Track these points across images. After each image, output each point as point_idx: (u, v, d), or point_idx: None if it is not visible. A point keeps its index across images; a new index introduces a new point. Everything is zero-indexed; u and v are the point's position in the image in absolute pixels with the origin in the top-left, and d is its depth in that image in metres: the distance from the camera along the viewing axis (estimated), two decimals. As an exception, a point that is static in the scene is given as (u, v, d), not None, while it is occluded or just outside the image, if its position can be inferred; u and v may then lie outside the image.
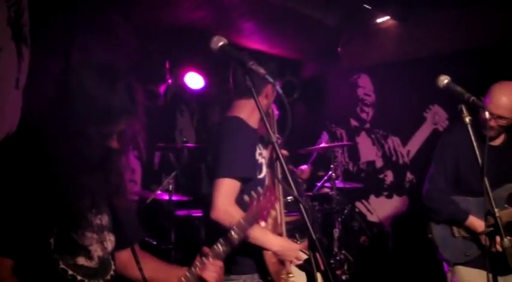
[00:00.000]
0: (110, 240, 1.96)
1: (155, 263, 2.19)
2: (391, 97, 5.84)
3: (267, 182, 2.78)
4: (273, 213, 2.12)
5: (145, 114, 1.88)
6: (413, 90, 5.59)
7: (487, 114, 2.47)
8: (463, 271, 3.30)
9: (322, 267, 1.69)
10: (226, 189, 2.57)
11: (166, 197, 4.87)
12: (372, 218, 6.01)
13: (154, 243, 4.75)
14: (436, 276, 4.76)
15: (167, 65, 5.79)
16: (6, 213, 1.74)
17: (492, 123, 3.20)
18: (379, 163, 6.00)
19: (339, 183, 5.25)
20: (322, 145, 5.13)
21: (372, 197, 6.02)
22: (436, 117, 5.52)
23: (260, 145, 2.78)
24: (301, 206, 1.75)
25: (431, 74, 5.33)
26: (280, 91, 1.80)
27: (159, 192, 4.97)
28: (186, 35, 5.52)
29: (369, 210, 6.03)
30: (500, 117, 3.18)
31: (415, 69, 5.54)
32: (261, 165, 2.77)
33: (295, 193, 1.75)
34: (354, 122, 6.19)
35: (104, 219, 1.95)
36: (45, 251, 1.77)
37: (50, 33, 4.59)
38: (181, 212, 5.02)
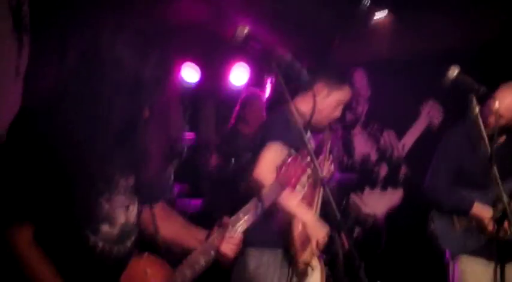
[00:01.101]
0: (135, 203, 1.95)
1: (177, 223, 2.17)
2: (387, 91, 5.91)
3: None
4: (303, 179, 2.08)
5: (179, 86, 1.87)
6: (409, 84, 5.66)
7: (496, 103, 2.52)
8: (464, 260, 3.38)
9: (346, 246, 1.73)
10: (273, 152, 2.70)
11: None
12: (366, 210, 6.06)
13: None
14: (430, 268, 4.86)
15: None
16: (27, 176, 1.72)
17: (491, 120, 3.24)
18: (374, 156, 6.06)
19: (335, 175, 5.29)
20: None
21: (367, 190, 6.08)
22: (431, 111, 5.59)
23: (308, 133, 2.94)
24: (325, 187, 1.79)
25: (427, 69, 5.45)
26: (307, 77, 1.84)
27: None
28: (181, 29, 5.55)
29: (363, 203, 6.09)
30: (501, 116, 3.23)
31: (410, 63, 5.61)
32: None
33: (320, 174, 1.80)
34: (349, 116, 6.24)
35: (130, 181, 1.92)
36: (69, 217, 1.75)
37: (49, 22, 4.59)
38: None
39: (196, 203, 4.98)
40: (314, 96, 2.97)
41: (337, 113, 3.12)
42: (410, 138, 5.77)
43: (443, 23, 5.34)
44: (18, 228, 1.71)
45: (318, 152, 3.23)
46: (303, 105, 3.00)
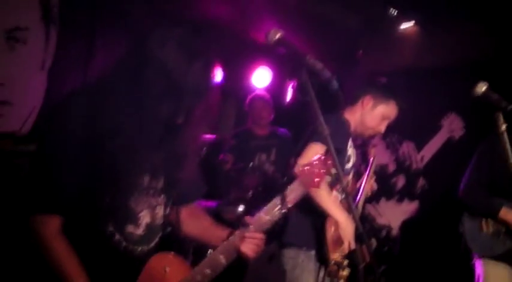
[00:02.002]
0: (163, 204, 1.95)
1: (203, 223, 2.18)
2: (409, 102, 5.86)
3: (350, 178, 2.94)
4: (328, 178, 2.05)
5: (218, 92, 1.87)
6: (431, 97, 5.62)
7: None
8: (489, 264, 3.45)
9: (367, 259, 1.73)
10: (314, 152, 2.66)
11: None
12: (381, 221, 6.04)
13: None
14: (445, 280, 4.83)
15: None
16: (61, 166, 1.73)
17: None
18: (392, 167, 6.04)
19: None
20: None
21: (382, 200, 6.06)
22: (452, 125, 5.56)
23: (351, 142, 3.08)
24: (349, 199, 1.78)
25: (450, 82, 5.40)
26: (337, 86, 1.83)
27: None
28: (205, 29, 5.55)
29: (378, 213, 6.07)
30: None
31: (434, 76, 5.57)
32: (349, 157, 3.04)
33: (344, 184, 1.79)
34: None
35: (160, 183, 1.93)
36: (96, 214, 1.77)
37: (78, 14, 4.61)
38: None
39: (211, 204, 4.98)
40: (361, 107, 3.13)
41: (382, 127, 3.19)
42: (429, 150, 5.74)
43: (470, 35, 5.30)
44: (47, 218, 1.73)
45: (360, 167, 3.31)
46: (349, 115, 3.14)
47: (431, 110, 5.67)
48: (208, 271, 1.93)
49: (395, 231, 5.89)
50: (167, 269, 1.89)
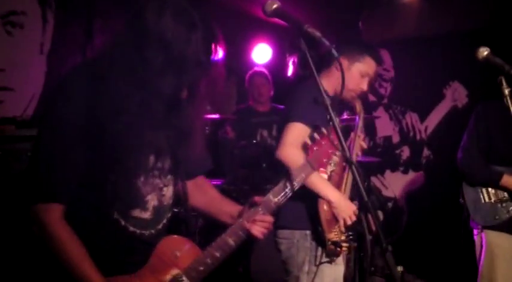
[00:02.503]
0: (170, 185, 1.92)
1: (211, 195, 2.16)
2: (411, 73, 5.84)
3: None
4: (334, 158, 2.02)
5: (223, 67, 1.83)
6: (434, 67, 5.58)
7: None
8: (491, 234, 3.42)
9: (373, 229, 1.72)
10: (296, 132, 2.71)
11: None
12: (387, 193, 6.05)
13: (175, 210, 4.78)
14: (451, 251, 4.84)
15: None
16: (59, 156, 1.69)
17: None
18: (396, 138, 6.03)
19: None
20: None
21: (388, 172, 6.06)
22: (455, 94, 5.53)
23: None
24: (353, 167, 1.77)
25: (452, 51, 5.35)
26: (336, 54, 1.81)
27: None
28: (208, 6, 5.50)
29: (384, 185, 6.08)
30: None
31: (436, 45, 5.52)
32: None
33: (347, 154, 1.78)
34: (371, 97, 6.19)
35: (166, 163, 1.89)
36: (100, 199, 1.74)
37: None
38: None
39: (216, 183, 4.99)
40: (337, 70, 2.95)
41: (363, 85, 3.01)
42: (433, 120, 5.72)
43: (471, 2, 5.24)
44: (48, 205, 1.69)
45: (347, 129, 3.18)
46: (326, 81, 2.98)
47: (433, 79, 5.63)
48: (217, 254, 1.92)
49: (401, 203, 5.90)
50: (178, 254, 1.89)
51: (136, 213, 1.81)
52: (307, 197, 2.68)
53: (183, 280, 1.87)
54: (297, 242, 2.77)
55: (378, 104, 6.16)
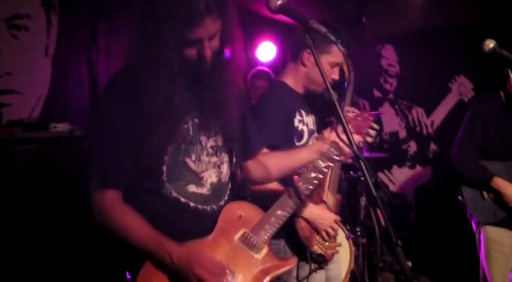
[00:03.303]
0: (227, 162, 2.01)
1: (271, 160, 2.22)
2: (416, 67, 5.81)
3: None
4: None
5: (238, 15, 1.84)
6: (439, 61, 5.56)
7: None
8: (491, 230, 3.43)
9: (383, 223, 1.71)
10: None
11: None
12: (394, 188, 6.04)
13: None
14: (458, 246, 4.82)
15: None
16: (110, 142, 1.80)
17: None
18: (403, 134, 6.01)
19: (364, 153, 5.26)
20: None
21: (395, 168, 6.04)
22: (461, 87, 5.51)
23: (302, 111, 2.79)
24: (361, 162, 1.77)
25: (458, 44, 5.32)
26: (343, 50, 1.80)
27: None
28: None
29: (391, 181, 6.06)
30: None
31: (441, 39, 5.50)
32: (301, 132, 2.76)
33: (355, 149, 1.77)
34: (377, 93, 6.18)
35: (219, 140, 1.98)
36: (157, 180, 1.83)
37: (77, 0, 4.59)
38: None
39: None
40: (304, 66, 2.85)
41: (334, 75, 2.86)
42: (439, 115, 5.70)
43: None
44: (105, 191, 1.79)
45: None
46: (293, 79, 2.89)
47: (439, 73, 5.61)
48: (279, 211, 2.04)
49: (409, 198, 5.89)
50: (242, 214, 1.99)
51: (192, 188, 1.90)
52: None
53: (251, 237, 1.96)
54: (283, 247, 2.66)
55: (384, 100, 6.14)
